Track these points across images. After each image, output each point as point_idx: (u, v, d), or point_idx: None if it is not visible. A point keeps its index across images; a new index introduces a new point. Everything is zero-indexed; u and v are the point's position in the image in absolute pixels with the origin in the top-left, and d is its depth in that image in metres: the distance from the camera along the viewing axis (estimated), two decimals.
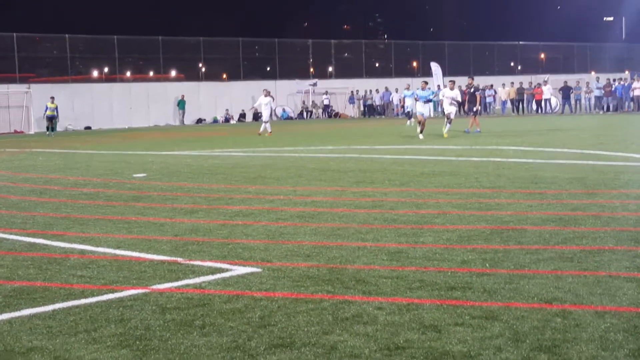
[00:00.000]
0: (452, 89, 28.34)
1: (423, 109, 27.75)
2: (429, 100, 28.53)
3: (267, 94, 34.43)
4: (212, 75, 60.71)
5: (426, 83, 28.41)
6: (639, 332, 5.13)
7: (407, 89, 43.33)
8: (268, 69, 63.62)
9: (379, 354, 4.94)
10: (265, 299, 6.30)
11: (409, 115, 39.65)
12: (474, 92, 33.37)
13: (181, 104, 53.07)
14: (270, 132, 33.20)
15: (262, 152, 23.09)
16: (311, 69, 65.65)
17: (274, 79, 60.32)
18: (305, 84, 59.73)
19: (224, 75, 63.39)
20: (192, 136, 36.01)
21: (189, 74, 60.43)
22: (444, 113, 28.92)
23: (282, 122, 53.21)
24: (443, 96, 29.38)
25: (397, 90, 57.49)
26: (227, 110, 55.92)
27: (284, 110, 58.65)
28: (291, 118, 57.73)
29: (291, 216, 10.54)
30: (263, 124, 34.21)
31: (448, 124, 27.78)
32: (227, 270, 7.41)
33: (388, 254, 7.89)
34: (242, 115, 56.47)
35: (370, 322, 5.58)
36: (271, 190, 13.45)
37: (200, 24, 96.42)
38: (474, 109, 31.94)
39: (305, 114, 59.18)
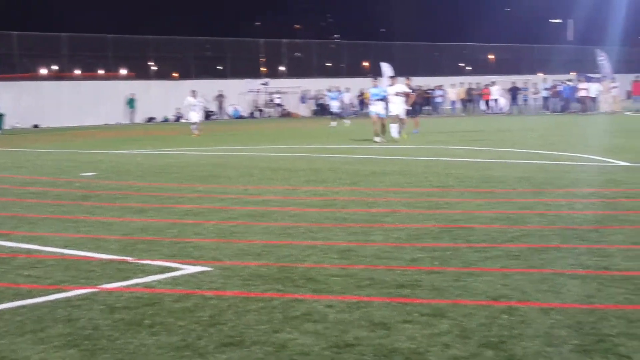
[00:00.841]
0: (392, 84, 26.20)
1: (376, 108, 25.75)
2: (382, 99, 25.96)
3: (194, 94, 33.51)
4: (163, 74, 60.27)
5: (376, 79, 27.06)
6: (582, 328, 5.24)
7: (330, 90, 42.17)
8: (219, 68, 63.35)
9: (328, 352, 4.97)
10: (216, 298, 6.29)
11: (333, 116, 39.60)
12: (413, 92, 32.78)
13: (131, 102, 52.56)
14: (198, 134, 32.00)
15: (213, 151, 23.00)
16: (263, 68, 65.51)
17: (225, 78, 60.09)
18: (256, 83, 59.58)
19: (175, 74, 62.98)
20: (143, 135, 35.71)
21: (140, 73, 59.87)
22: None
23: (233, 122, 53.04)
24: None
25: (348, 90, 57.70)
26: (177, 109, 55.54)
27: (235, 109, 58.45)
28: (242, 117, 57.56)
29: (242, 215, 10.53)
30: (195, 126, 32.90)
31: (398, 126, 25.66)
32: (177, 269, 7.38)
33: (338, 252, 7.93)
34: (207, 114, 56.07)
35: (320, 320, 5.61)
36: (222, 189, 13.41)
37: (151, 23, 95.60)
38: (407, 109, 31.26)
39: (257, 113, 59.05)
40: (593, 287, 6.27)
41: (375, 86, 26.58)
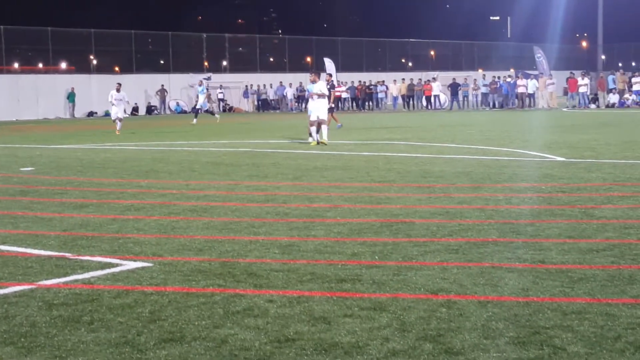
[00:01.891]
0: (313, 81, 22.13)
1: (314, 107, 22.24)
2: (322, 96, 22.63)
3: (119, 88, 31.41)
4: (104, 68, 59.49)
5: (318, 75, 22.57)
6: (519, 321, 5.35)
7: (200, 84, 39.34)
8: (162, 62, 62.80)
9: (269, 347, 4.98)
10: (156, 294, 6.26)
11: (197, 113, 37.43)
12: (330, 88, 31.98)
13: (71, 96, 51.80)
14: (119, 131, 29.77)
15: (154, 146, 22.80)
16: (205, 63, 65.14)
17: (167, 72, 59.61)
18: (198, 78, 59.17)
19: (116, 68, 62.19)
20: (83, 129, 35.23)
21: (80, 66, 59.04)
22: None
23: (176, 116, 52.64)
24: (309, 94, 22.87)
25: (290, 85, 57.75)
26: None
27: (177, 104, 58.02)
28: (185, 112, 57.13)
29: (183, 210, 10.48)
30: (118, 122, 30.44)
31: (322, 129, 21.80)
32: (117, 265, 7.32)
33: (280, 247, 7.95)
34: (135, 109, 55.55)
35: (261, 315, 5.63)
36: (163, 185, 13.32)
37: (91, 15, 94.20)
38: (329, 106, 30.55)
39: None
40: (529, 280, 6.40)
41: (313, 82, 23.07)
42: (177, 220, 9.68)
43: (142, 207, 10.81)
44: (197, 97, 39.62)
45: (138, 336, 5.23)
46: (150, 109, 56.85)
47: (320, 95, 21.92)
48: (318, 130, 21.98)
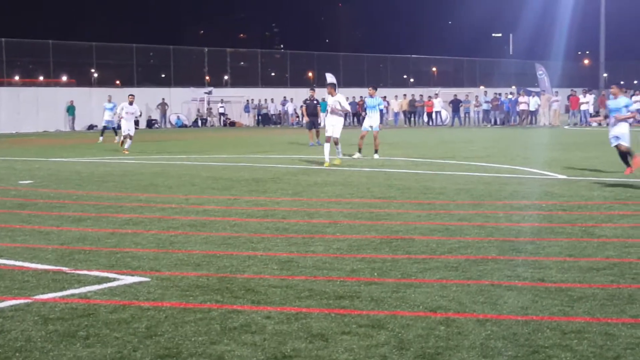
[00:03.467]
0: (331, 94, 20.40)
1: (371, 121, 22.51)
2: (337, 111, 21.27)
3: (132, 100, 28.19)
4: (105, 81, 59.57)
5: (375, 89, 21.70)
6: (517, 340, 5.31)
7: (109, 101, 36.62)
8: (163, 75, 62.89)
9: None
10: (153, 309, 6.22)
11: (103, 131, 35.51)
12: (316, 104, 31.88)
13: (70, 109, 51.79)
14: (127, 150, 26.38)
15: (154, 160, 22.79)
16: (207, 77, 65.24)
17: (168, 86, 59.66)
18: (200, 92, 59.29)
19: (117, 81, 62.31)
20: (83, 143, 35.21)
21: (81, 79, 59.15)
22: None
23: (176, 130, 52.66)
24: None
25: (292, 100, 57.81)
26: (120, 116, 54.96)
27: (178, 118, 58.05)
28: (186, 126, 57.18)
29: (182, 225, 10.44)
30: (126, 140, 27.11)
31: (336, 148, 20.49)
32: (114, 279, 7.28)
33: (278, 263, 7.91)
34: (136, 122, 55.46)
35: (258, 332, 5.59)
36: (163, 199, 13.29)
37: (93, 29, 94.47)
38: (316, 122, 30.19)
39: (200, 122, 58.74)
40: (528, 298, 6.36)
41: (372, 96, 22.82)
42: (175, 235, 9.64)
43: (141, 222, 10.78)
44: (105, 113, 36.15)
45: (134, 352, 5.18)
46: (150, 123, 56.86)
47: (335, 111, 19.95)
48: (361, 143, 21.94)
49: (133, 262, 8.04)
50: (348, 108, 20.55)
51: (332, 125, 20.02)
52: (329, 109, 20.13)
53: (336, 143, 20.12)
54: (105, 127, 35.56)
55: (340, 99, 20.19)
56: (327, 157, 19.53)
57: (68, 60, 57.46)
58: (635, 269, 7.39)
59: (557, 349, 5.10)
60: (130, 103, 27.74)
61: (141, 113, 32.05)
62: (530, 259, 7.91)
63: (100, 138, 34.54)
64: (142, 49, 61.62)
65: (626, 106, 16.20)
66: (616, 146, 16.15)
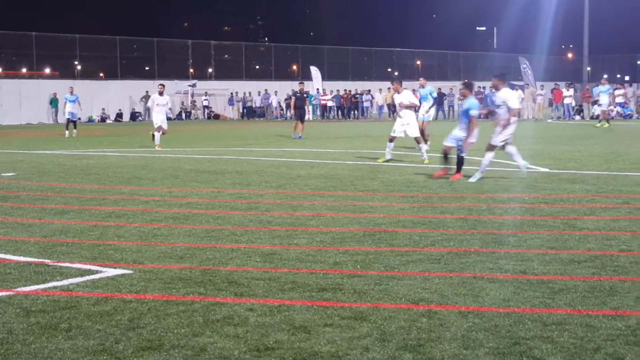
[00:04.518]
0: (397, 90, 19.21)
1: (423, 110, 22.23)
2: (433, 100, 21.56)
3: (163, 90, 25.34)
4: (88, 74, 59.28)
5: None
6: (499, 331, 5.34)
7: (71, 92, 35.29)
8: (147, 68, 62.63)
9: (248, 355, 4.95)
10: (135, 301, 6.21)
11: (68, 123, 34.19)
12: (305, 97, 31.78)
13: (54, 102, 51.51)
14: (160, 145, 24.31)
15: (138, 153, 22.71)
16: (191, 70, 65.04)
17: (152, 78, 59.41)
18: (184, 85, 59.12)
19: (101, 74, 62.02)
20: (66, 135, 35.01)
21: (64, 72, 58.80)
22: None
23: None
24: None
25: (276, 93, 57.75)
26: (103, 109, 54.72)
27: None
28: (170, 119, 56.90)
29: (165, 217, 10.42)
30: (158, 132, 24.64)
31: (420, 147, 19.00)
32: (97, 272, 7.26)
33: (261, 255, 7.91)
34: (119, 115, 55.40)
35: (240, 324, 5.59)
36: (146, 191, 13.25)
37: (76, 20, 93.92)
38: (303, 115, 30.25)
39: (184, 114, 58.58)
40: (510, 290, 6.39)
41: (423, 86, 22.54)
42: (158, 228, 9.62)
43: (124, 214, 10.75)
44: (65, 105, 35.03)
45: (116, 344, 5.18)
46: (134, 115, 56.67)
47: (409, 106, 18.74)
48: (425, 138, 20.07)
49: (116, 254, 8.02)
50: (416, 102, 19.15)
51: (406, 124, 18.52)
52: (403, 104, 18.63)
53: (418, 142, 18.81)
54: (69, 120, 34.38)
55: (408, 94, 18.92)
56: (388, 155, 18.44)
57: (51, 52, 57.11)
58: (616, 261, 7.44)
59: (538, 340, 5.13)
60: (161, 94, 25.14)
61: (171, 107, 29.52)
62: (513, 252, 7.95)
63: (68, 132, 33.76)
64: (125, 41, 61.31)
65: (469, 109, 14.61)
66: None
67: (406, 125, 18.59)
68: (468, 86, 15.43)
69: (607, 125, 35.53)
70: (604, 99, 37.87)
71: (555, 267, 7.21)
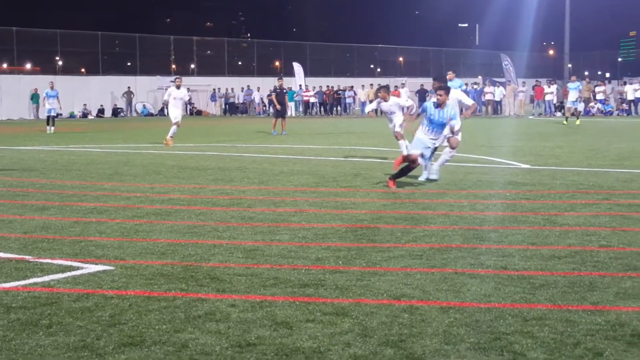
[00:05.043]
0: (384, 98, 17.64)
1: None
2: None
3: (180, 84, 24.54)
4: (70, 69, 58.96)
5: (454, 72, 18.45)
6: (480, 327, 5.36)
7: (52, 87, 34.72)
8: (129, 64, 62.40)
9: (230, 351, 4.95)
10: (117, 297, 6.19)
11: (48, 120, 33.49)
12: (285, 93, 31.59)
13: (35, 97, 51.24)
14: (171, 143, 23.57)
15: (119, 149, 22.62)
16: (173, 66, 64.83)
17: (134, 74, 59.21)
18: (166, 81, 58.88)
19: (82, 69, 61.70)
20: (47, 131, 34.82)
21: (45, 67, 58.48)
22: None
23: (142, 119, 52.33)
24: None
25: (259, 89, 57.67)
26: (84, 105, 54.46)
27: (144, 106, 57.68)
28: (152, 114, 56.83)
29: (147, 214, 10.39)
30: (173, 128, 24.02)
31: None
32: (78, 268, 7.23)
33: (244, 251, 7.91)
34: (101, 111, 55.17)
35: (222, 320, 5.59)
36: (127, 187, 13.21)
37: (58, 16, 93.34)
38: (284, 111, 30.20)
39: (166, 110, 58.38)
40: (491, 286, 6.43)
41: (451, 79, 21.65)
42: (140, 224, 9.59)
43: (105, 210, 10.71)
44: (46, 101, 34.48)
45: (97, 340, 5.16)
46: (116, 111, 56.45)
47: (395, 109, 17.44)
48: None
49: (97, 250, 8.00)
50: (407, 104, 17.77)
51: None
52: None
53: (398, 139, 17.24)
54: (49, 116, 34.01)
55: (398, 101, 17.79)
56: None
57: (32, 47, 56.81)
58: (596, 256, 7.49)
59: (519, 335, 5.17)
60: (178, 87, 24.32)
61: (190, 97, 27.75)
62: (494, 247, 7.99)
63: (49, 128, 33.43)
64: (107, 36, 61.04)
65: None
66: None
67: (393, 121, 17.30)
68: (448, 91, 13.27)
69: (577, 122, 35.62)
70: (572, 96, 38.07)
71: (535, 263, 7.25)
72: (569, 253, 7.65)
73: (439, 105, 12.90)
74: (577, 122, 35.64)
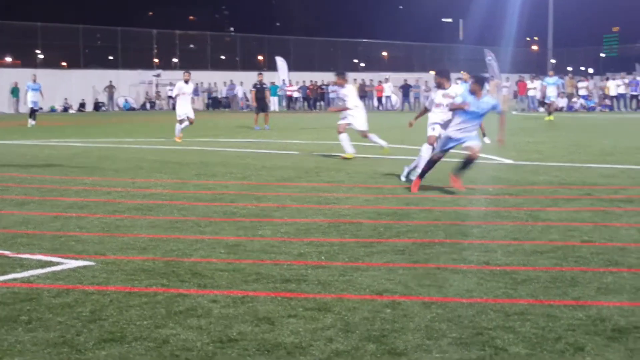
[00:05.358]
0: (341, 85, 17.85)
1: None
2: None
3: (189, 78, 23.90)
4: (50, 63, 58.56)
5: (468, 73, 17.24)
6: (462, 322, 5.36)
7: (34, 81, 34.80)
8: (110, 58, 62.06)
9: (211, 347, 4.92)
10: (97, 293, 6.14)
11: (31, 113, 33.39)
12: (265, 88, 31.43)
13: (15, 91, 50.83)
14: (180, 139, 22.83)
15: (101, 143, 22.49)
16: (155, 60, 64.53)
17: (116, 68, 58.91)
18: (148, 75, 58.67)
19: (63, 63, 61.31)
20: (27, 125, 34.58)
21: (25, 61, 58.05)
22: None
23: (124, 113, 52.10)
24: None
25: (242, 84, 57.52)
26: (65, 99, 54.12)
27: (126, 100, 57.40)
28: (134, 109, 56.58)
29: (128, 208, 10.32)
30: (180, 124, 23.34)
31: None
32: (58, 263, 7.17)
33: (226, 246, 7.87)
34: (82, 105, 54.86)
35: (204, 315, 5.55)
36: (109, 182, 13.13)
37: (39, 8, 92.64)
38: (265, 106, 30.10)
39: (148, 105, 58.15)
40: (474, 281, 6.43)
41: (465, 80, 20.99)
42: (121, 219, 9.53)
43: (86, 205, 10.63)
44: (28, 94, 34.40)
45: (77, 336, 5.12)
46: (97, 106, 56.15)
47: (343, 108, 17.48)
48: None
49: (77, 246, 7.93)
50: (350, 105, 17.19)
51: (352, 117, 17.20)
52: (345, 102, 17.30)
53: (365, 136, 17.48)
54: (32, 110, 33.80)
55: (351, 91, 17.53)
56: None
57: (12, 40, 56.33)
58: (577, 252, 7.51)
59: (501, 330, 5.16)
60: (186, 82, 23.67)
61: (198, 95, 27.09)
62: (476, 243, 7.99)
63: (31, 121, 33.19)
64: (89, 30, 60.65)
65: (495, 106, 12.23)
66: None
67: (351, 117, 17.18)
68: (479, 81, 11.89)
69: (549, 118, 35.64)
70: (551, 91, 38.17)
71: (518, 258, 7.26)
72: (551, 248, 7.67)
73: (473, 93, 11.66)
74: (550, 117, 35.62)
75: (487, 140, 19.84)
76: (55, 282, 6.51)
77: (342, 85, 17.49)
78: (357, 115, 17.36)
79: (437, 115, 13.27)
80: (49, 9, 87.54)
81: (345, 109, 17.06)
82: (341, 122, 17.17)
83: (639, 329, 5.17)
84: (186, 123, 23.28)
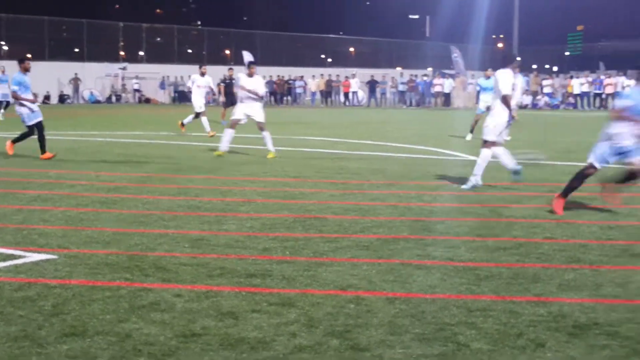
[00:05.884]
0: (250, 75, 16.60)
1: (487, 103, 20.04)
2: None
3: (205, 72, 23.89)
4: (15, 55, 57.73)
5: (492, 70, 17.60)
6: (424, 317, 5.40)
7: (2, 72, 34.51)
8: (76, 50, 61.41)
9: (174, 341, 4.90)
10: (60, 287, 6.09)
11: (2, 105, 32.42)
12: (231, 82, 31.27)
13: None
14: (213, 133, 21.84)
15: (65, 136, 22.27)
16: (121, 53, 64.01)
17: (81, 60, 58.34)
18: (114, 68, 58.17)
19: (28, 55, 60.50)
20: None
21: None
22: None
23: (89, 106, 51.63)
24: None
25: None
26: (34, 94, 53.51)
27: (91, 93, 56.88)
28: (99, 102, 56.09)
29: (92, 202, 10.25)
30: (198, 117, 22.95)
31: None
32: (20, 257, 7.10)
33: (190, 241, 7.84)
34: (47, 97, 54.26)
35: (167, 310, 5.53)
36: (73, 175, 13.01)
37: (3, 0, 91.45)
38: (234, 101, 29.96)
39: (114, 98, 57.68)
40: (437, 277, 6.47)
41: (487, 77, 21.00)
42: (85, 212, 9.46)
43: (50, 198, 10.53)
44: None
45: (39, 330, 5.08)
46: (62, 98, 55.58)
47: (252, 92, 16.46)
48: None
49: (40, 239, 7.86)
50: (260, 92, 16.75)
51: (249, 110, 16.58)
52: (243, 90, 16.56)
53: (262, 129, 16.71)
54: (6, 102, 33.06)
55: (258, 80, 16.86)
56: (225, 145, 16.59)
57: None
58: (540, 248, 7.59)
59: (463, 326, 5.21)
60: (202, 75, 23.51)
61: (211, 89, 26.29)
62: (440, 238, 8.05)
63: (1, 114, 32.54)
64: (54, 22, 59.96)
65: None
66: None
67: (249, 110, 16.55)
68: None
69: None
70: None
71: (481, 254, 7.32)
72: (514, 245, 7.74)
73: None
74: None
75: (469, 137, 19.96)
76: (17, 276, 6.45)
77: (251, 75, 16.30)
78: (256, 107, 16.67)
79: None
80: (13, 0, 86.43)
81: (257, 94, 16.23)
82: (235, 117, 16.30)
83: (599, 326, 5.24)
84: (192, 116, 23.02)
